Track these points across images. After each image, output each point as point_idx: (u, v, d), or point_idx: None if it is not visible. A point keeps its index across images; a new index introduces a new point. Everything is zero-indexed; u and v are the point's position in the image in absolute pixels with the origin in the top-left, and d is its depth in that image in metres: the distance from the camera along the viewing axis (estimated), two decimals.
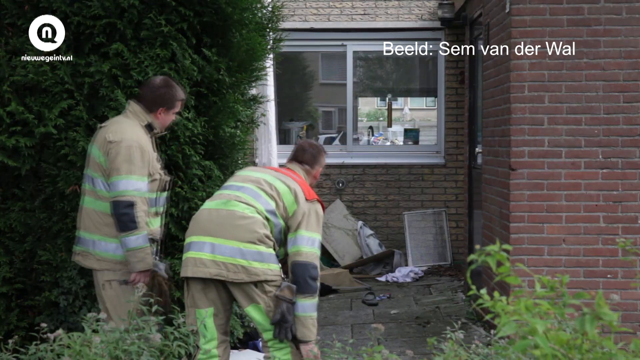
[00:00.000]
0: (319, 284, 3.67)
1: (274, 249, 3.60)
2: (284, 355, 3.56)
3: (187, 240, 3.61)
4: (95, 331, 2.92)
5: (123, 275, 3.82)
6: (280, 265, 3.63)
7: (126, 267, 3.79)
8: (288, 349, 3.58)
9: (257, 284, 3.49)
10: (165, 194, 4.03)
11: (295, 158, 4.00)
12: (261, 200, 3.63)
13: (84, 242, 3.90)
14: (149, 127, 3.93)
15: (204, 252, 3.49)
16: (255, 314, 3.54)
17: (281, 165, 4.03)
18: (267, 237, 3.55)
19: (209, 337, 3.56)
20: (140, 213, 3.73)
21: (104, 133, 3.86)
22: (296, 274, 3.57)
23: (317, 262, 3.66)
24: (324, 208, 3.81)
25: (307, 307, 3.58)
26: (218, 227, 3.52)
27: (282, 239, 3.68)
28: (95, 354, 2.62)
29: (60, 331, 2.95)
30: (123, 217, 3.70)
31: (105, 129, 3.89)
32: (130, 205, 3.69)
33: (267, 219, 3.59)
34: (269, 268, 3.51)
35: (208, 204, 3.70)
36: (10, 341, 3.27)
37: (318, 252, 3.68)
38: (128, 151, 3.75)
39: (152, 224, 3.88)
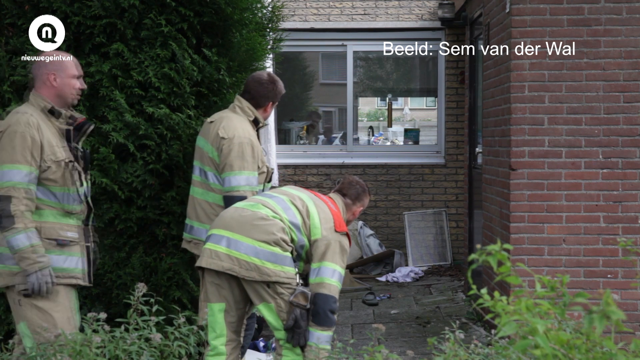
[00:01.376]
0: (336, 317, 3.64)
1: (292, 254, 3.58)
2: (297, 356, 3.57)
3: (208, 232, 3.66)
4: (95, 331, 2.92)
5: None
6: (296, 269, 3.63)
7: None
8: (300, 349, 3.58)
9: (269, 284, 3.49)
10: (269, 184, 4.17)
11: (340, 190, 4.00)
12: (289, 212, 3.64)
13: (196, 232, 4.05)
14: (255, 122, 4.08)
15: (220, 245, 3.52)
16: (266, 313, 3.54)
17: (323, 193, 4.05)
18: (285, 241, 3.54)
19: (217, 332, 3.57)
20: None
21: (215, 129, 3.98)
22: (317, 305, 3.54)
23: (338, 296, 3.64)
24: (350, 243, 3.76)
25: (323, 338, 3.54)
26: (238, 224, 3.55)
27: (303, 256, 3.67)
28: (95, 353, 2.63)
29: (60, 331, 2.95)
30: None
31: (216, 125, 4.01)
32: (243, 199, 3.80)
33: (290, 229, 3.59)
34: (282, 270, 3.50)
35: (237, 204, 3.76)
36: (10, 341, 3.27)
37: (340, 286, 3.64)
38: (240, 148, 3.89)
39: None
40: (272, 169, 4.23)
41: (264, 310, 3.55)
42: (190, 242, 4.11)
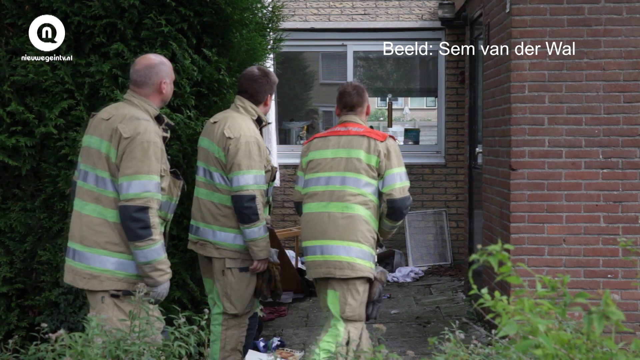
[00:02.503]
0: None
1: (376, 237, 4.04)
2: (332, 343, 3.83)
3: (304, 244, 4.06)
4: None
5: (242, 262, 4.02)
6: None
7: (244, 255, 4.00)
8: (339, 339, 3.85)
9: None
10: (272, 183, 4.20)
11: (346, 106, 4.16)
12: (360, 183, 3.96)
13: (202, 233, 4.09)
14: (258, 121, 4.11)
15: (316, 255, 3.94)
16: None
17: (342, 122, 4.20)
18: (369, 231, 3.95)
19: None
20: (260, 205, 3.90)
21: (220, 129, 3.99)
22: (394, 208, 3.95)
23: (408, 193, 4.04)
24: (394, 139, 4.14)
25: (397, 227, 4.12)
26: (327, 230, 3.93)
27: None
28: (96, 354, 2.62)
29: (62, 331, 2.95)
30: (246, 210, 3.86)
31: (220, 125, 4.02)
32: (252, 198, 3.85)
33: (371, 199, 3.96)
34: (367, 265, 3.93)
35: (312, 206, 4.02)
36: (10, 341, 3.27)
37: (408, 183, 4.06)
38: (247, 147, 3.91)
39: (264, 213, 4.07)
40: (276, 168, 4.27)
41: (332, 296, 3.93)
42: (197, 243, 4.12)
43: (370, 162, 3.95)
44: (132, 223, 3.21)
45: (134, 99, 3.44)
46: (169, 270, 3.38)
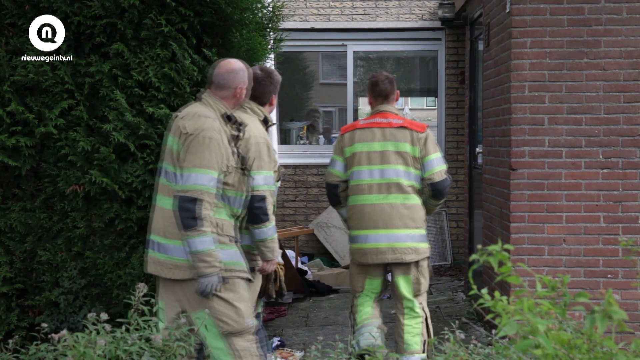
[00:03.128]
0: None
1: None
2: (417, 324, 4.38)
3: (361, 232, 4.45)
4: (97, 332, 2.92)
5: (250, 263, 3.94)
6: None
7: (250, 255, 3.93)
8: (420, 319, 4.40)
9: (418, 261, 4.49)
10: (278, 183, 4.24)
11: (380, 95, 4.52)
12: (411, 175, 4.42)
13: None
14: (265, 121, 4.11)
15: (380, 242, 4.41)
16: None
17: (379, 111, 4.55)
18: (422, 216, 4.48)
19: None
20: (269, 205, 3.88)
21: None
22: (437, 190, 4.42)
23: (446, 175, 4.47)
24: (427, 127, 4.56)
25: (441, 204, 4.61)
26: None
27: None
28: (98, 355, 2.62)
29: (64, 332, 2.95)
30: (257, 210, 3.81)
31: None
32: (262, 199, 3.82)
33: (419, 187, 4.45)
34: (426, 246, 4.51)
35: (369, 198, 4.42)
36: (10, 341, 3.27)
37: (445, 166, 4.47)
38: (257, 147, 3.87)
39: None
40: (282, 168, 4.30)
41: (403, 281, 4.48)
42: None
43: (415, 154, 4.42)
44: (181, 212, 3.37)
45: (209, 99, 3.60)
46: (217, 265, 3.39)
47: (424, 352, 4.36)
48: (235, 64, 3.64)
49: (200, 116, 3.47)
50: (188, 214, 3.36)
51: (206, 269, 3.38)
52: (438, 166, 4.44)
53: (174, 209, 3.41)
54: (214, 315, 3.43)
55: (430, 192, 4.45)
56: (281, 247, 6.44)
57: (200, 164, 3.40)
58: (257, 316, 4.21)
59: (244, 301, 3.54)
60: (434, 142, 4.49)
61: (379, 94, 4.52)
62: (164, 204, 3.51)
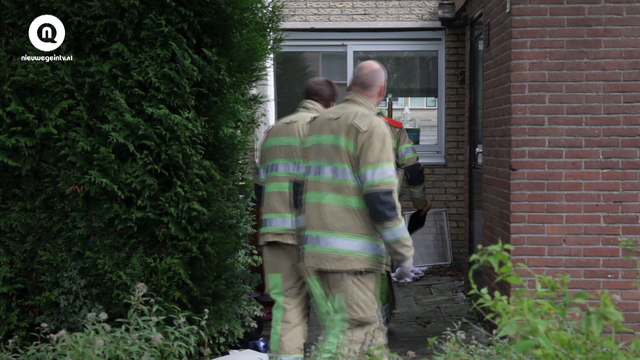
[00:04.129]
0: None
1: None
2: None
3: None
4: (96, 331, 2.92)
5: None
6: None
7: None
8: None
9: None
10: None
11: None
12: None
13: (280, 222, 4.44)
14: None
15: None
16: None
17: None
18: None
19: None
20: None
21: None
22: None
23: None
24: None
25: None
26: None
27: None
28: (97, 355, 2.62)
29: (63, 332, 2.95)
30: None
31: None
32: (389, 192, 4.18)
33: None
34: None
35: None
36: (10, 341, 3.27)
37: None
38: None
39: None
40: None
41: None
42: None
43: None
44: (381, 206, 3.59)
45: (359, 99, 3.84)
46: (412, 247, 3.72)
47: None
48: (376, 65, 3.93)
49: (368, 115, 3.73)
50: (389, 205, 3.59)
51: (407, 253, 3.67)
52: None
53: (371, 205, 3.61)
54: (349, 300, 3.68)
55: None
56: None
57: (386, 159, 3.65)
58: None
59: (375, 291, 3.79)
60: None
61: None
62: (321, 200, 3.73)
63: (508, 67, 5.29)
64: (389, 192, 3.60)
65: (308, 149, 3.91)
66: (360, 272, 3.69)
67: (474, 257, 1.84)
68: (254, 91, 5.57)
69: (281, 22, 5.38)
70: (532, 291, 1.95)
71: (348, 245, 3.67)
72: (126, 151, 4.29)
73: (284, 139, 4.45)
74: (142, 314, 3.16)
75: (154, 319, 3.04)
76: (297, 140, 4.36)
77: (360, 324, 3.72)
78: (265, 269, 4.52)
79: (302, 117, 4.46)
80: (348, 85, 3.98)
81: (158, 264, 4.29)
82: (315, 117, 4.02)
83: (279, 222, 4.37)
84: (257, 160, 8.42)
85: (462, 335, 2.86)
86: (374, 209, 3.60)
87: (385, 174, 3.61)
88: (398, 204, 3.64)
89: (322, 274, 3.80)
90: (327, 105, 4.56)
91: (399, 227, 3.62)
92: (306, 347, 5.35)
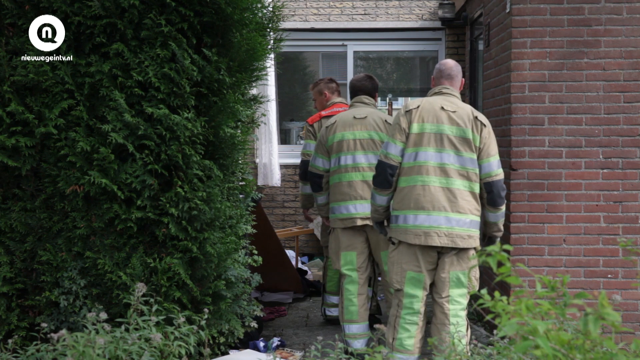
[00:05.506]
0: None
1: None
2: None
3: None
4: (96, 331, 2.92)
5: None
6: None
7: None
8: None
9: None
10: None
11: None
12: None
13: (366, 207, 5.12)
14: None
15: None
16: None
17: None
18: None
19: None
20: None
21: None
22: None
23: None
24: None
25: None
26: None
27: None
28: (98, 355, 2.63)
29: (64, 331, 2.95)
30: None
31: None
32: None
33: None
34: None
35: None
36: (10, 341, 3.27)
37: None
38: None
39: None
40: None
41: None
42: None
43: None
44: (502, 192, 4.25)
45: (455, 93, 4.40)
46: None
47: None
48: (453, 60, 4.52)
49: (468, 108, 4.29)
50: (505, 192, 4.26)
51: (500, 235, 4.40)
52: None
53: (495, 191, 4.23)
54: (473, 274, 4.17)
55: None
56: (280, 247, 6.44)
57: (497, 151, 4.29)
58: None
59: None
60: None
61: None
62: (450, 185, 4.19)
63: (508, 67, 5.29)
64: (503, 181, 4.27)
65: (424, 137, 4.27)
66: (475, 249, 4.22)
67: (473, 257, 1.84)
68: (254, 91, 5.57)
69: (281, 22, 5.37)
70: (532, 291, 1.95)
71: (476, 225, 4.25)
72: (126, 151, 4.29)
73: (360, 132, 5.15)
74: (142, 314, 3.17)
75: (154, 319, 3.04)
76: (378, 134, 5.12)
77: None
78: (339, 247, 5.23)
79: (371, 112, 5.23)
80: (434, 78, 4.53)
81: (158, 264, 4.29)
82: (418, 106, 4.35)
83: (366, 207, 5.05)
84: (257, 160, 8.42)
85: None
86: (498, 194, 4.23)
87: (500, 165, 4.28)
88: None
89: (436, 252, 4.24)
90: (374, 97, 5.41)
91: (503, 212, 4.32)
92: (306, 347, 5.36)
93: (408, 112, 4.31)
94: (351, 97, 5.49)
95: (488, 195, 4.23)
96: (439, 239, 4.13)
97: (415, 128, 4.24)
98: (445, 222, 4.14)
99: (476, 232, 4.20)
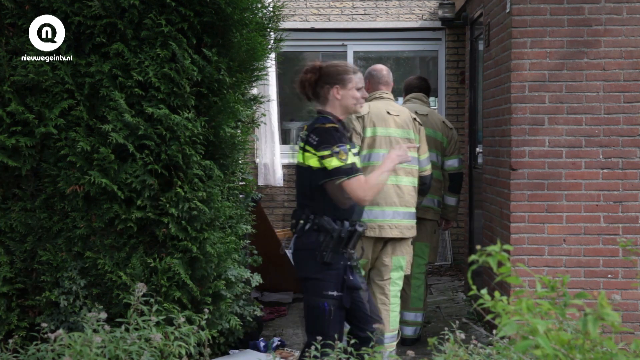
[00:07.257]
0: None
1: None
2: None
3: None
4: (95, 331, 2.92)
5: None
6: None
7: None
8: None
9: None
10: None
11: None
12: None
13: (427, 201, 5.52)
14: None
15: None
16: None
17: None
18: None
19: None
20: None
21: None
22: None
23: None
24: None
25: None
26: None
27: None
28: (95, 353, 2.62)
29: (61, 331, 2.95)
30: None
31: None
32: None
33: None
34: None
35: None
36: (10, 341, 3.27)
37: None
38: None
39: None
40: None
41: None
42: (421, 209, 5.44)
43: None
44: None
45: (391, 96, 4.96)
46: None
47: None
48: (384, 66, 5.01)
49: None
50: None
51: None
52: None
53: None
54: (409, 258, 4.87)
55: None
56: (280, 247, 6.44)
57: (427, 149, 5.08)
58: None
59: None
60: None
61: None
62: (406, 182, 4.77)
63: (508, 67, 5.29)
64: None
65: (372, 138, 4.76)
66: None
67: (472, 257, 1.84)
68: (254, 91, 5.57)
69: (281, 22, 5.37)
70: (532, 291, 1.95)
71: (415, 215, 4.88)
72: (126, 151, 4.29)
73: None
74: (142, 314, 3.17)
75: (154, 319, 3.04)
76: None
77: None
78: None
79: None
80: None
81: (158, 264, 4.29)
82: (368, 112, 4.78)
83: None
84: (257, 160, 8.41)
85: (461, 335, 2.86)
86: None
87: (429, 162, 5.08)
88: None
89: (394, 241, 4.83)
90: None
91: None
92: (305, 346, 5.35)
93: (360, 117, 4.74)
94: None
95: (421, 187, 4.92)
96: (390, 231, 4.69)
97: (368, 132, 4.73)
98: (396, 216, 4.70)
99: (415, 222, 4.84)
